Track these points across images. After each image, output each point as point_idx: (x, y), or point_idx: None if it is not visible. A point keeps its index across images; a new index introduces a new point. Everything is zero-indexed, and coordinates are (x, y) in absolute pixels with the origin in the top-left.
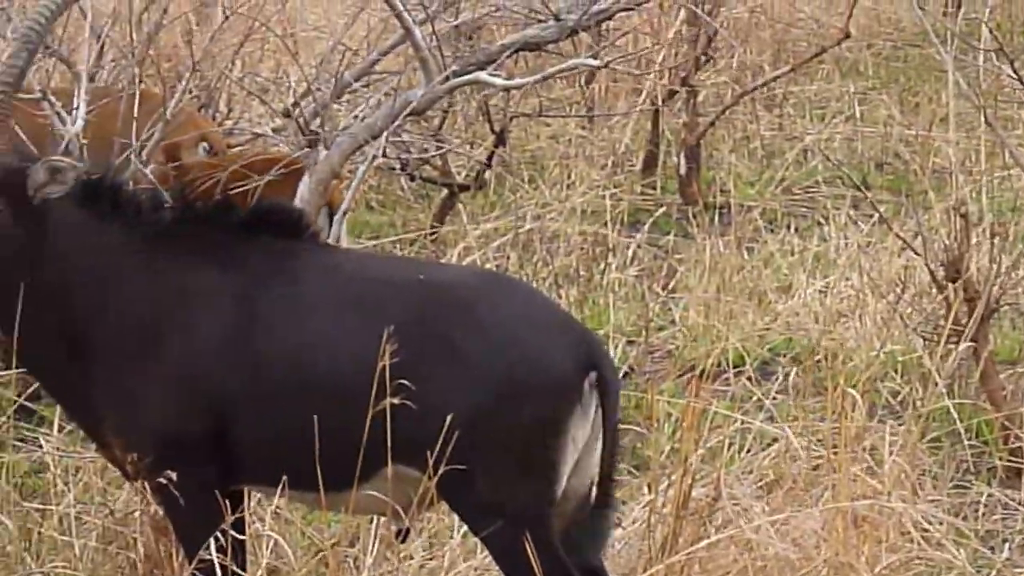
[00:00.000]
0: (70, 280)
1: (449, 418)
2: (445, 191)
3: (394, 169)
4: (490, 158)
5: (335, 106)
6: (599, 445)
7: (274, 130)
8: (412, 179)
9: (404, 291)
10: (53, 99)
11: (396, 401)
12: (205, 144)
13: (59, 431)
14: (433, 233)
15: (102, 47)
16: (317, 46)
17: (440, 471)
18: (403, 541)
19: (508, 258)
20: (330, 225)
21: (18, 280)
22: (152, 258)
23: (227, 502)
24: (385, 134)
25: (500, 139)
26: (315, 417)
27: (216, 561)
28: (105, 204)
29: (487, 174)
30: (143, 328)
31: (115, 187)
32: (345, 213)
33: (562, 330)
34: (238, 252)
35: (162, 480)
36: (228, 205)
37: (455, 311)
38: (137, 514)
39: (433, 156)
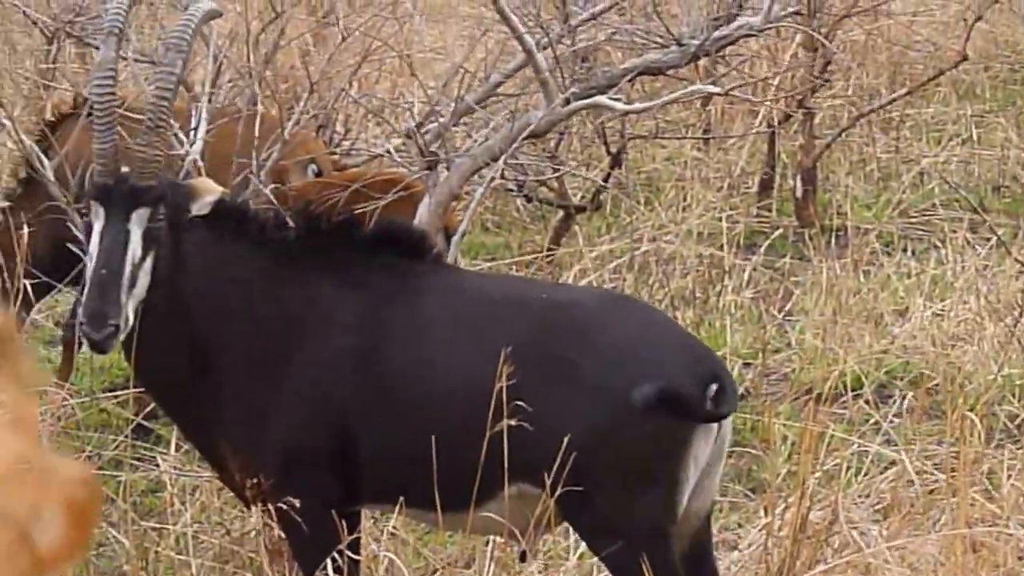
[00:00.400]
0: (197, 297)
1: (568, 438)
2: (561, 213)
3: (511, 190)
4: (606, 180)
5: (454, 128)
6: (720, 465)
7: (393, 151)
8: (528, 200)
9: (524, 311)
10: (172, 123)
11: (513, 422)
12: (313, 166)
13: (176, 450)
14: (549, 255)
15: (219, 67)
16: (434, 67)
17: (560, 491)
18: (522, 562)
19: (624, 280)
20: (448, 246)
21: (153, 296)
22: (277, 276)
23: (344, 522)
24: (504, 156)
25: (616, 161)
26: (435, 436)
27: None
28: (230, 223)
29: (603, 196)
30: (268, 345)
31: (240, 206)
32: (463, 235)
33: (681, 349)
34: (362, 271)
35: (282, 505)
36: (351, 224)
37: (573, 330)
38: (253, 534)
39: (550, 178)
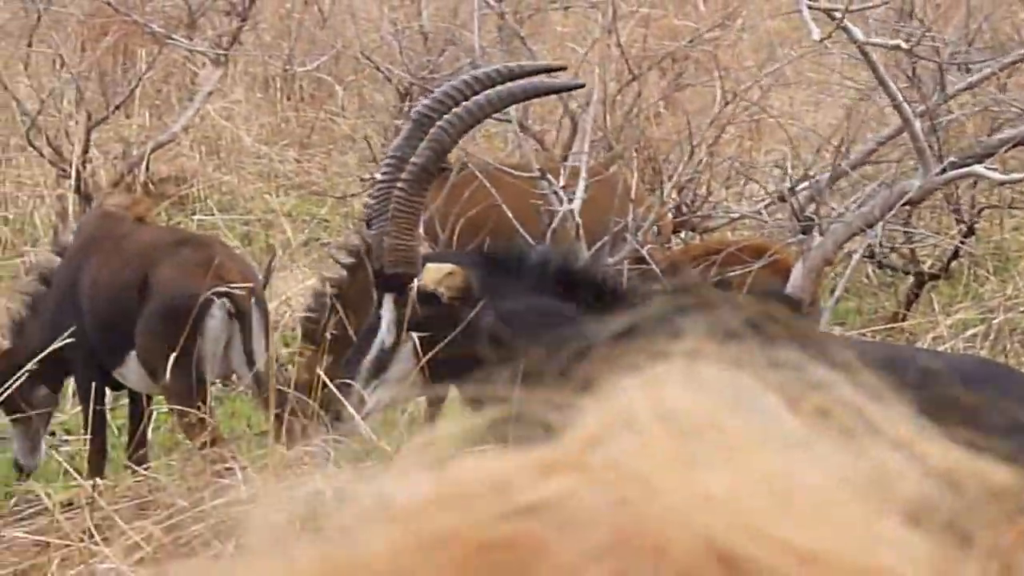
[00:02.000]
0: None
1: None
2: (912, 279)
3: (863, 256)
4: (959, 248)
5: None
6: None
7: (762, 213)
8: (880, 267)
9: (904, 377)
10: (551, 177)
11: None
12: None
13: None
14: (901, 322)
15: (575, 128)
16: (779, 132)
17: None
18: None
19: (979, 349)
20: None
21: None
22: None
23: None
24: (881, 224)
25: (970, 230)
26: None
27: None
28: (585, 295)
29: (954, 264)
30: None
31: (594, 275)
32: (837, 301)
33: None
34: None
35: None
36: (724, 289)
37: (956, 394)
38: None
39: (902, 245)
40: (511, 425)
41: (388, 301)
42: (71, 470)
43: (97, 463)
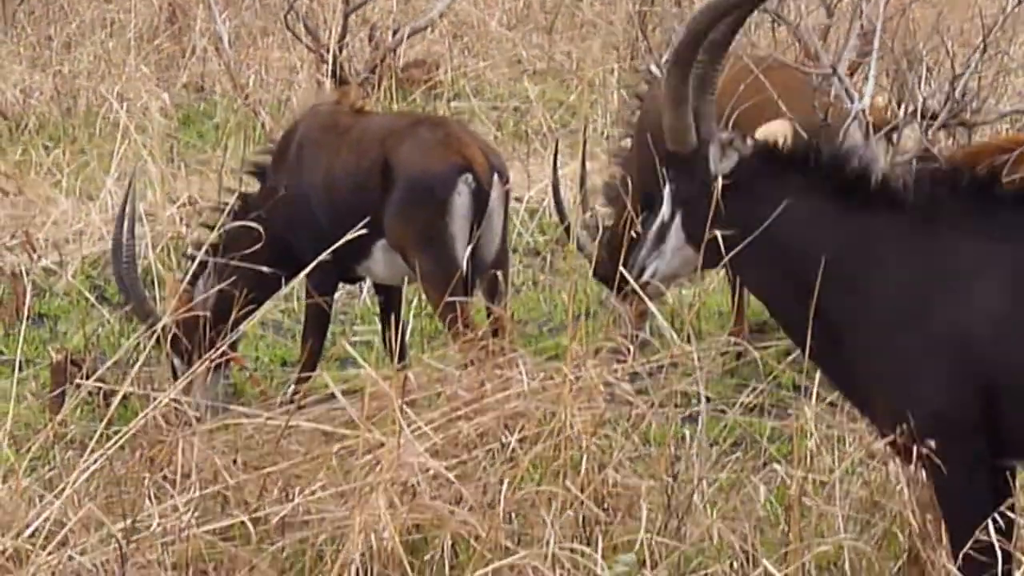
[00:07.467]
0: (811, 264)
1: None
2: None
3: None
4: None
5: None
6: None
7: None
8: None
9: None
10: (843, 75)
11: None
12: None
13: (817, 400)
14: None
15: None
16: None
17: None
18: None
19: None
20: None
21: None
22: (916, 232)
23: (1001, 480)
24: None
25: None
26: None
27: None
28: (854, 192)
29: None
30: (907, 301)
31: (864, 171)
32: None
33: None
34: (1007, 222)
35: (931, 455)
36: (992, 180)
37: None
38: (898, 488)
39: None
40: None
41: (669, 176)
42: (357, 357)
43: (311, 361)
